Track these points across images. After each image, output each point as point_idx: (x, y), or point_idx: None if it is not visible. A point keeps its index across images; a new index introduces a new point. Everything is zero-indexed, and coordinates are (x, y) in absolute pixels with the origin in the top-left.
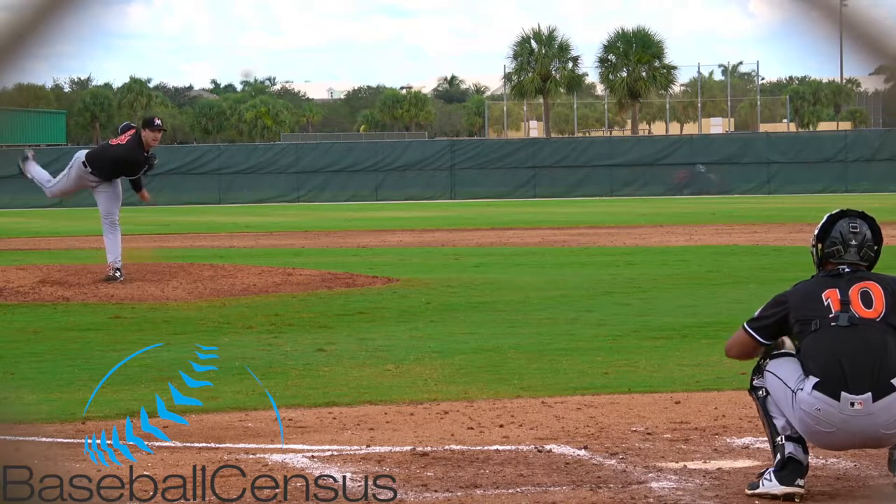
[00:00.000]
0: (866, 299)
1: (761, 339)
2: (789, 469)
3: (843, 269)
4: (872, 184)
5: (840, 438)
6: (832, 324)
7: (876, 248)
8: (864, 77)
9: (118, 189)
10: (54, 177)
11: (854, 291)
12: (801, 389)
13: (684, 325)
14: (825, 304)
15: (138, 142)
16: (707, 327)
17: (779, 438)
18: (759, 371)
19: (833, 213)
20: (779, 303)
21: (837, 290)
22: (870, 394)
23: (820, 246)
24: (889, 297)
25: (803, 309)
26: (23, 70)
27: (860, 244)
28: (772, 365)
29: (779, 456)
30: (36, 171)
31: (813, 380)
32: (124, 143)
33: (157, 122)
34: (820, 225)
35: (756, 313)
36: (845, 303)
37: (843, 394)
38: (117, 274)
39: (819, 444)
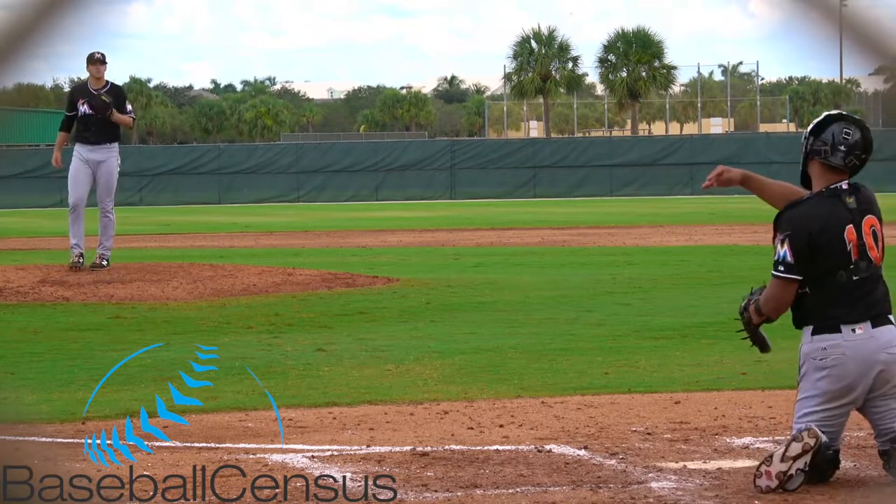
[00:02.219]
0: (874, 238)
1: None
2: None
3: (842, 187)
4: (872, 184)
5: (853, 370)
6: (854, 277)
7: (863, 156)
8: (864, 77)
9: (107, 176)
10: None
11: (866, 228)
12: (801, 347)
13: (684, 325)
14: (847, 248)
15: (84, 83)
16: (707, 327)
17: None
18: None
19: (832, 113)
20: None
21: (853, 227)
22: (868, 321)
23: (811, 140)
24: (881, 235)
25: (827, 249)
26: (23, 70)
27: (848, 150)
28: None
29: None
30: (74, 232)
31: (808, 329)
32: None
33: (94, 54)
34: (816, 121)
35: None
36: (861, 247)
37: (842, 325)
38: (106, 262)
39: (840, 393)
